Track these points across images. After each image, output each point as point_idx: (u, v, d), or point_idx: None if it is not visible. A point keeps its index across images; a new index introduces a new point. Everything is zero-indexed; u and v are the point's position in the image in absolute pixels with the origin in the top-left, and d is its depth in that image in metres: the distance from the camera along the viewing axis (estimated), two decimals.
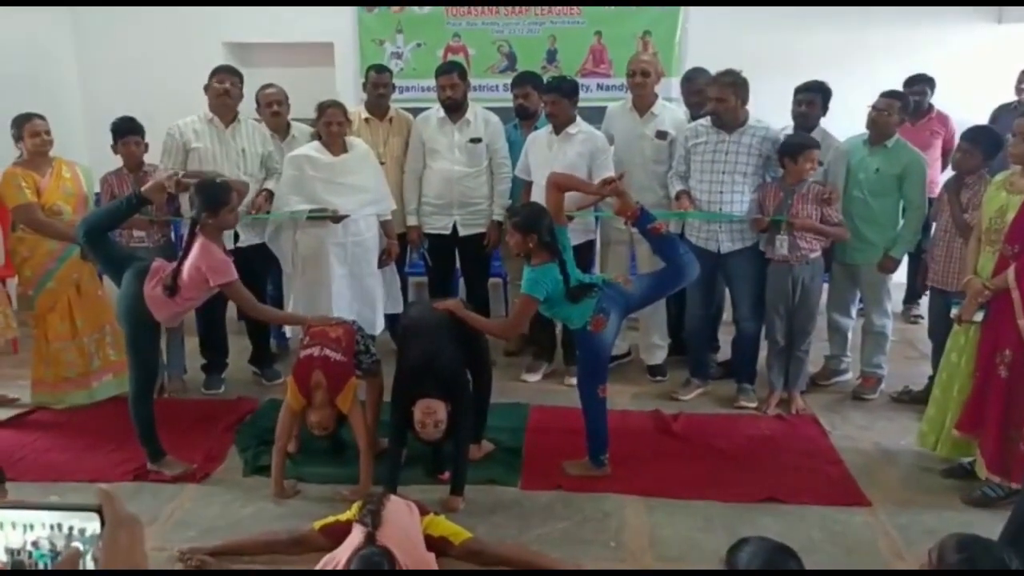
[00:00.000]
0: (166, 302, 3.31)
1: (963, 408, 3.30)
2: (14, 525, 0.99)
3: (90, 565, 0.97)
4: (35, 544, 0.99)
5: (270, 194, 4.20)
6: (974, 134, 3.85)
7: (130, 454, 3.54)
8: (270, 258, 4.33)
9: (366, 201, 4.15)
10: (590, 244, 4.38)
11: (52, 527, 0.99)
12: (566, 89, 4.13)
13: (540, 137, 4.27)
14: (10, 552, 1.00)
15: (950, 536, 1.65)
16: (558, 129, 4.17)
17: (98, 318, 4.17)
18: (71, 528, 0.99)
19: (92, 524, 0.96)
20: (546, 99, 4.17)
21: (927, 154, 4.36)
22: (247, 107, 4.63)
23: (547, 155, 4.17)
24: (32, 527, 0.99)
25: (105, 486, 0.95)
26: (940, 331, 4.04)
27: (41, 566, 1.00)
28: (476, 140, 4.41)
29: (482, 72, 5.89)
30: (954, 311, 3.36)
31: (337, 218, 4.00)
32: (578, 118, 4.20)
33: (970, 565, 1.55)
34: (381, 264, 4.27)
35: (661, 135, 4.24)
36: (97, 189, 4.23)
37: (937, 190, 4.91)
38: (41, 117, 3.98)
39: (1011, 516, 2.69)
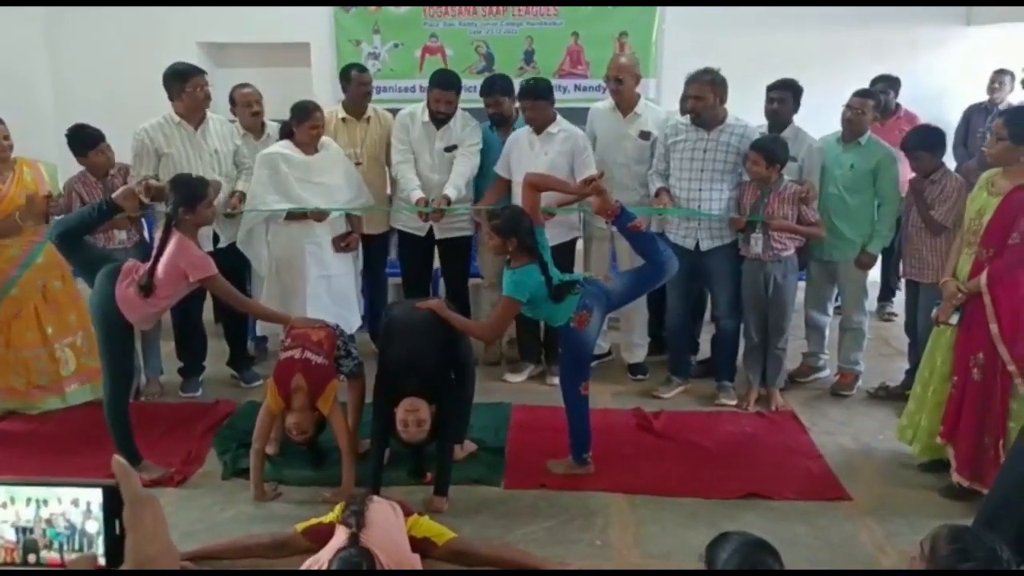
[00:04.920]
0: (139, 303, 3.24)
1: (944, 415, 3.31)
2: (28, 501, 0.96)
3: (100, 548, 0.95)
4: (49, 522, 0.96)
5: (243, 196, 4.12)
6: (913, 140, 3.93)
7: (106, 459, 3.33)
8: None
9: (344, 199, 4.12)
10: (574, 242, 4.37)
11: (71, 502, 0.96)
12: (539, 92, 4.10)
13: (521, 137, 4.26)
14: (21, 531, 0.96)
15: (941, 527, 1.67)
16: (539, 129, 4.16)
17: (69, 323, 4.07)
18: (88, 504, 0.96)
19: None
20: (523, 104, 4.14)
21: (897, 153, 4.42)
22: (221, 106, 4.58)
23: (529, 155, 4.16)
24: (47, 502, 0.96)
25: (121, 459, 0.91)
26: (914, 323, 4.12)
27: (56, 545, 0.97)
28: (451, 148, 4.35)
29: (460, 73, 5.85)
30: (934, 312, 3.38)
31: (320, 215, 3.98)
32: (559, 117, 4.19)
33: (962, 556, 1.57)
34: (339, 249, 4.19)
35: (644, 135, 4.24)
36: (62, 190, 4.10)
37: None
38: (0, 121, 3.86)
39: (986, 498, 2.74)
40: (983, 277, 3.10)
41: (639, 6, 5.88)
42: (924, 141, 3.89)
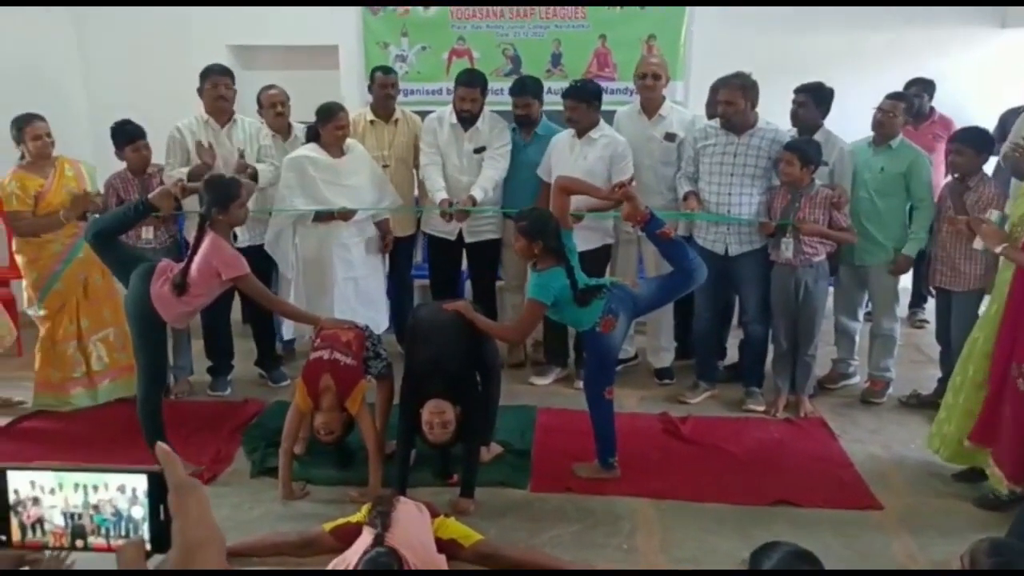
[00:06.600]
0: (174, 301, 3.29)
1: (976, 419, 3.25)
2: (76, 486, 0.98)
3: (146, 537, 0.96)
4: (96, 508, 0.98)
5: (254, 172, 4.16)
6: (963, 134, 3.88)
7: (136, 457, 3.48)
8: (272, 259, 4.31)
9: (371, 200, 4.14)
10: (607, 248, 4.34)
11: (117, 489, 0.98)
12: (586, 94, 4.12)
13: (563, 140, 4.26)
14: (69, 516, 0.99)
15: (982, 540, 1.64)
16: (580, 133, 4.15)
17: (104, 318, 4.13)
18: (134, 490, 0.98)
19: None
20: (567, 104, 4.13)
21: (931, 157, 4.36)
22: (249, 107, 4.63)
23: (568, 158, 4.15)
24: (96, 488, 0.98)
25: (165, 446, 0.92)
26: (947, 331, 4.04)
27: (103, 530, 0.99)
28: (480, 150, 4.37)
29: (487, 75, 5.86)
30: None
31: (346, 215, 4.00)
32: (601, 122, 4.19)
33: (1004, 569, 1.54)
34: (379, 249, 4.31)
35: (670, 137, 4.23)
36: (100, 191, 4.18)
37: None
38: (42, 119, 3.93)
39: (1021, 508, 2.68)
40: None
41: (667, 5, 5.83)
42: (973, 138, 3.81)
